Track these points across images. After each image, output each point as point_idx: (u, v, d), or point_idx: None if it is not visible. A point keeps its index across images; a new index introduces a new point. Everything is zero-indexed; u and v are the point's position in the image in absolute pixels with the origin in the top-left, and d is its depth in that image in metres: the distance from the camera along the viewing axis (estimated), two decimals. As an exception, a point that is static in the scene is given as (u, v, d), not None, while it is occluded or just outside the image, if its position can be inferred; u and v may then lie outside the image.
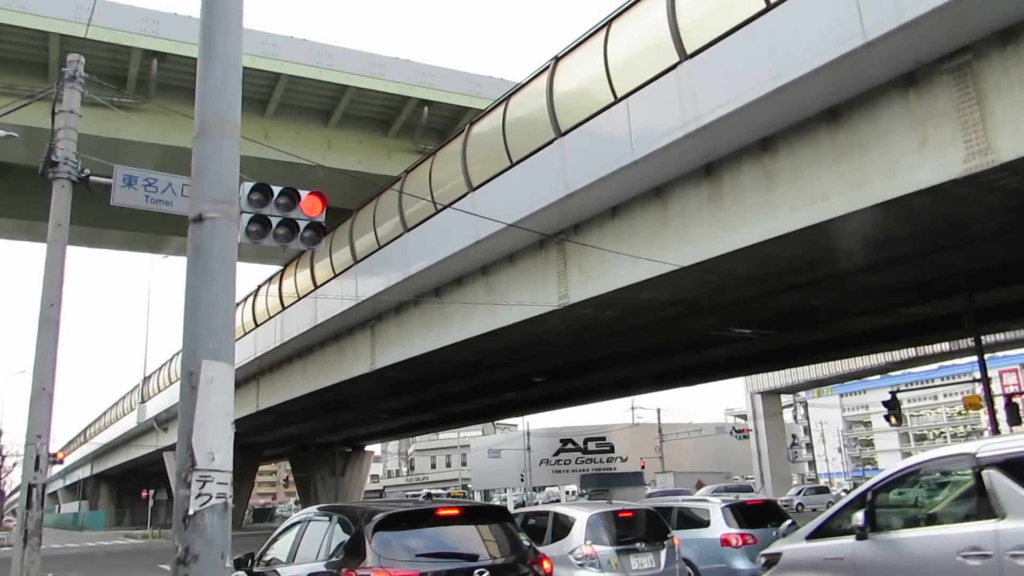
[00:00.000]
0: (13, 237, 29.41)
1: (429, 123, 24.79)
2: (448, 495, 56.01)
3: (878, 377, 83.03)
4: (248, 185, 8.90)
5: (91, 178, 7.74)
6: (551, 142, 13.86)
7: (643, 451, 52.59)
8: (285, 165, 24.31)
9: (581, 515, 8.01)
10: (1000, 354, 77.05)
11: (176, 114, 22.81)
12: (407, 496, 64.14)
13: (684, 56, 11.30)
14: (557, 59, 14.15)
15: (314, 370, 25.81)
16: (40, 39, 20.48)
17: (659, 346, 20.60)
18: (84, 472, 79.39)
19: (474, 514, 5.32)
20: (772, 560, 5.45)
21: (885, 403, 21.87)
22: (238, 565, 6.62)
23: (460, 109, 24.75)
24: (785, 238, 11.09)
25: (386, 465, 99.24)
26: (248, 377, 30.96)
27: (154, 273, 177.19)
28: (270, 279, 28.45)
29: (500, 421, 70.48)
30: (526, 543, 5.34)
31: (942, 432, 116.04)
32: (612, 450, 55.83)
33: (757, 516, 9.89)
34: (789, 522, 6.64)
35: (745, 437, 47.27)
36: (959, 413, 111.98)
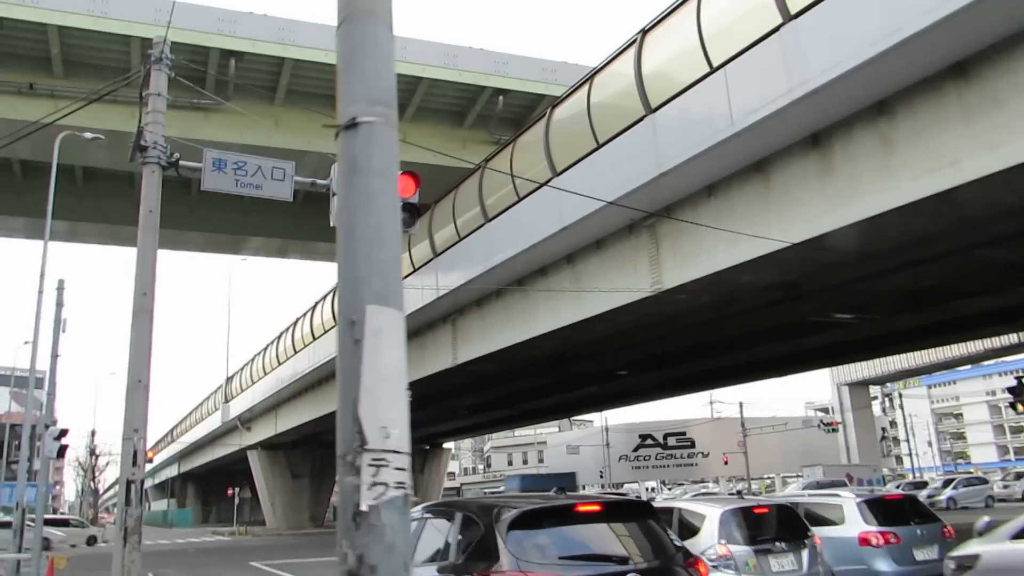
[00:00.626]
0: (100, 241, 30.18)
1: (504, 112, 24.33)
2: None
3: (968, 367, 79.28)
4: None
5: (180, 163, 7.48)
6: (640, 120, 13.19)
7: (725, 446, 51.19)
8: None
9: (712, 512, 7.24)
10: None
11: (253, 114, 23.05)
12: (485, 493, 64.03)
13: (788, 16, 10.50)
14: (644, 32, 13.47)
15: (394, 366, 25.62)
16: (122, 43, 20.78)
17: (750, 335, 19.68)
18: (172, 471, 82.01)
19: (616, 510, 4.66)
20: (966, 563, 4.70)
21: (1011, 389, 20.33)
22: None
23: (535, 97, 24.21)
24: (906, 209, 10.18)
25: (461, 463, 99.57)
26: (330, 375, 31.11)
27: (234, 275, 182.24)
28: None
29: (576, 417, 69.80)
30: (676, 543, 4.69)
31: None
32: (693, 445, 54.55)
33: (897, 513, 8.98)
34: (987, 520, 5.81)
35: (834, 430, 45.46)
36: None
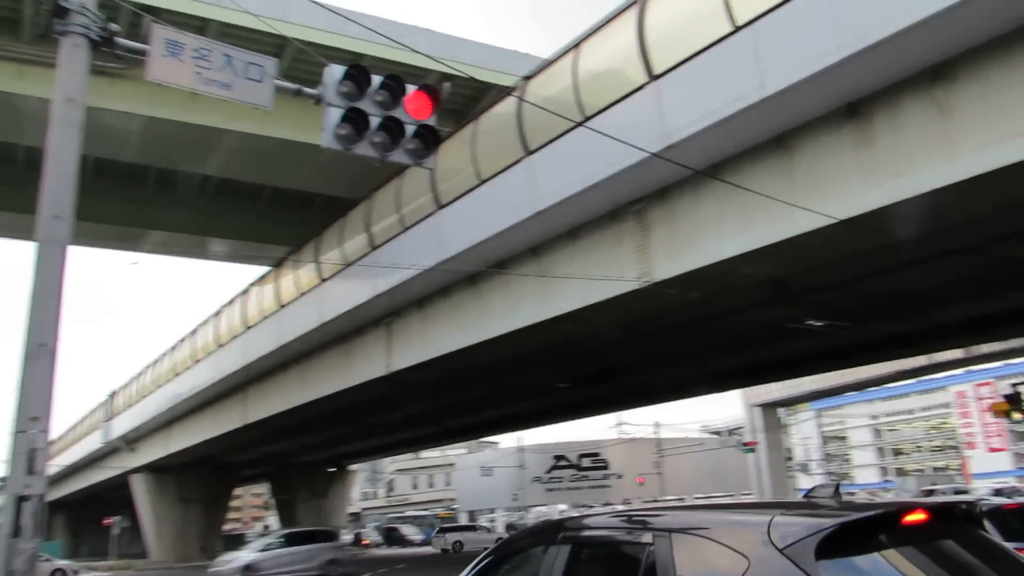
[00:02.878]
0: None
1: (449, 101, 22.42)
2: (435, 516, 53.08)
3: (854, 393, 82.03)
4: (338, 68, 6.52)
5: (118, 39, 5.34)
6: (641, 87, 11.62)
7: (640, 467, 50.32)
8: (288, 144, 21.85)
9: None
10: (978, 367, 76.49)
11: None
12: (390, 519, 60.77)
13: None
14: (644, -8, 11.93)
15: (314, 376, 23.12)
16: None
17: (716, 343, 18.34)
18: (40, 497, 74.57)
19: (944, 519, 2.86)
20: None
21: (1007, 397, 19.62)
22: None
23: (483, 86, 22.35)
24: (965, 185, 8.93)
25: (360, 487, 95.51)
26: (234, 388, 28.13)
27: (125, 277, 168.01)
28: (262, 278, 25.78)
29: (484, 439, 67.72)
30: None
31: (919, 446, 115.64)
32: (607, 466, 53.43)
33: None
34: None
35: (752, 450, 45.23)
36: (934, 427, 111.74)
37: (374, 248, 18.37)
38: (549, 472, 52.21)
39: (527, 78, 14.39)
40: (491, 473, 48.98)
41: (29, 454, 4.88)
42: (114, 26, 5.51)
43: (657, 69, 11.40)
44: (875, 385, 58.46)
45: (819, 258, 11.57)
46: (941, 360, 43.85)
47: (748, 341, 18.31)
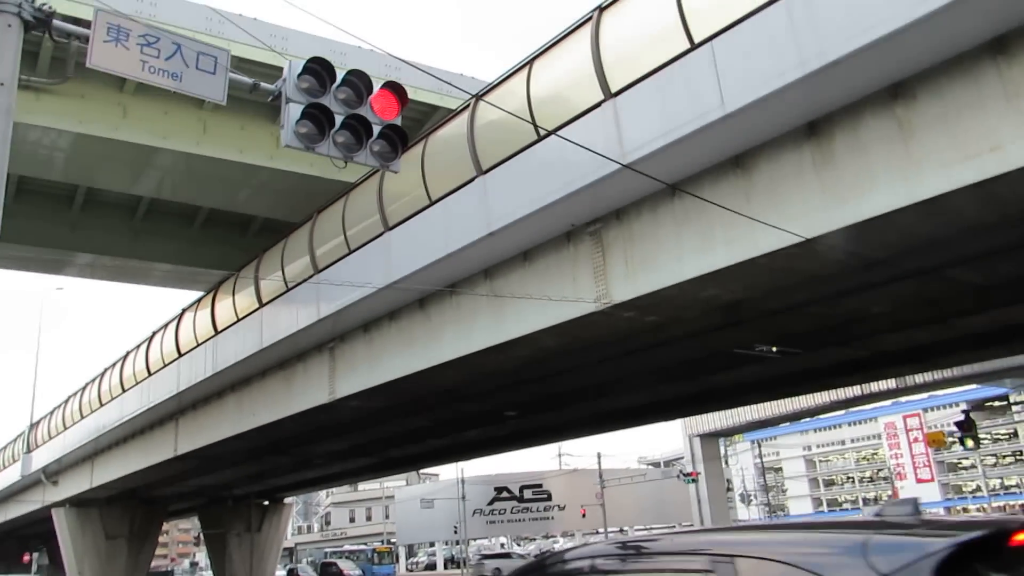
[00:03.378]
0: None
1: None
2: (374, 551, 51.55)
3: (787, 424, 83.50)
4: (298, 63, 6.07)
5: (55, 23, 4.81)
6: (598, 105, 11.43)
7: (582, 498, 49.89)
8: (225, 164, 21.14)
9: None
10: (907, 399, 78.66)
11: (97, 100, 19.48)
12: (327, 554, 58.88)
13: None
14: (601, 8, 11.82)
15: (251, 404, 22.18)
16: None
17: (668, 369, 18.19)
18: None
19: None
20: None
21: (959, 424, 19.85)
22: None
23: (428, 109, 22.20)
24: (925, 205, 8.91)
25: (294, 521, 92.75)
26: (165, 417, 26.90)
27: (46, 303, 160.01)
28: (198, 302, 24.78)
29: (424, 471, 66.53)
30: None
31: (850, 477, 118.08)
32: (549, 498, 52.85)
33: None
34: None
35: (695, 481, 45.29)
36: (864, 458, 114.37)
37: (318, 271, 17.75)
38: (491, 504, 51.35)
39: (479, 96, 14.10)
40: (432, 505, 47.91)
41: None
42: (49, 6, 4.98)
43: (615, 87, 11.25)
44: (810, 415, 59.59)
45: (779, 280, 11.48)
46: (874, 391, 44.88)
47: (702, 366, 18.21)
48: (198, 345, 23.06)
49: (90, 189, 24.29)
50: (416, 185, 15.04)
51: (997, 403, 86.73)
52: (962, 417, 19.92)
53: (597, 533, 49.90)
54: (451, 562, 54.47)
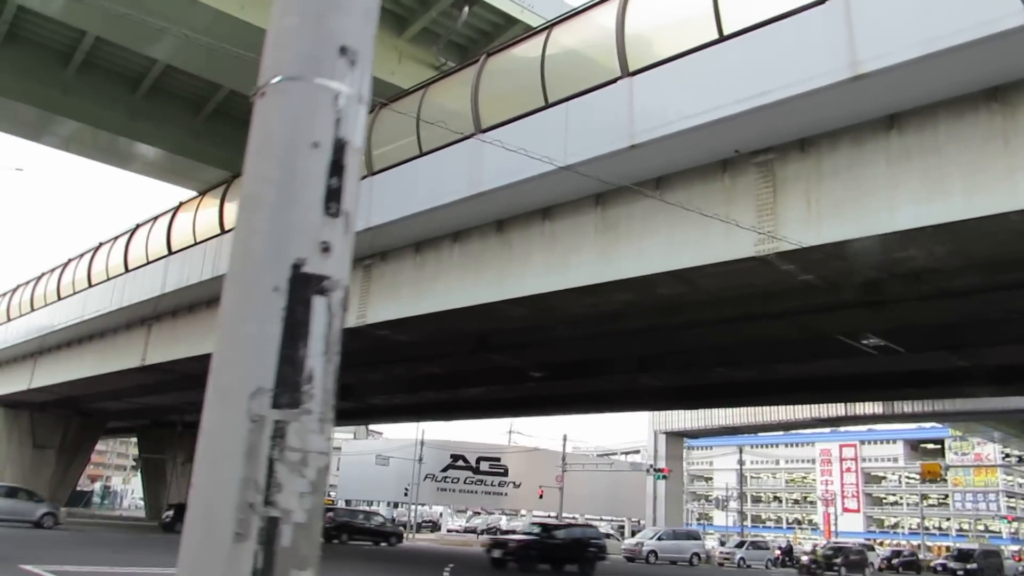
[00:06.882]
0: None
1: (463, 30, 19.42)
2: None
3: (723, 436, 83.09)
4: None
5: None
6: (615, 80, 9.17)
7: (540, 479, 48.04)
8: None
9: None
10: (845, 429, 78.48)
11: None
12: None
13: None
14: None
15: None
16: None
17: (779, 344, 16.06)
18: None
19: None
20: None
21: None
22: None
23: (503, 21, 19.54)
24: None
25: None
26: (135, 321, 23.99)
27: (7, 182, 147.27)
28: (201, 196, 21.91)
29: (373, 427, 63.96)
30: None
31: (778, 497, 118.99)
32: (506, 473, 50.85)
33: None
34: None
35: (665, 477, 43.83)
36: (794, 480, 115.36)
37: (371, 174, 15.18)
38: (444, 471, 49.13)
39: (552, 24, 11.75)
40: (387, 463, 45.55)
41: None
42: None
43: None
44: (789, 428, 58.69)
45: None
46: (859, 413, 43.88)
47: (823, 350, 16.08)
48: (196, 244, 20.24)
49: (91, 50, 21.11)
50: (522, 89, 12.64)
51: (932, 445, 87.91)
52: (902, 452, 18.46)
53: (549, 516, 48.18)
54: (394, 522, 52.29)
